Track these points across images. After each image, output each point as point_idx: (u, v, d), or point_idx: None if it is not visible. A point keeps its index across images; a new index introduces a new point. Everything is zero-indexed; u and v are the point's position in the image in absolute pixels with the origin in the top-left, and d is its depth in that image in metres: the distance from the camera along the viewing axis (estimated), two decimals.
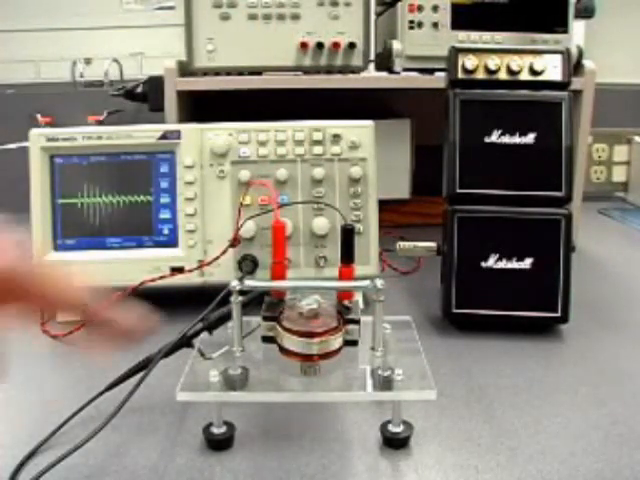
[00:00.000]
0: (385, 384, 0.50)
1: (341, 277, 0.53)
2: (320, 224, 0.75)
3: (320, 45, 0.98)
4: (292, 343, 0.50)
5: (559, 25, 1.03)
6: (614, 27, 1.65)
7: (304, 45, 0.98)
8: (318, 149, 0.76)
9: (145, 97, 1.13)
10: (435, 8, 1.02)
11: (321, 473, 0.46)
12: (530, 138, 0.71)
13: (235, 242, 0.71)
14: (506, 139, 0.71)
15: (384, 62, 1.05)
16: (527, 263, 0.70)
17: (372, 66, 1.14)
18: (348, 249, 0.53)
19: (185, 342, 0.54)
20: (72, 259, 0.75)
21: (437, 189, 0.75)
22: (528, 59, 0.72)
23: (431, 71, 1.04)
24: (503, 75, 0.72)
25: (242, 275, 0.73)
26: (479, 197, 0.71)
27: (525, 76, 0.72)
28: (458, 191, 0.71)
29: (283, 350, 0.50)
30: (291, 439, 0.51)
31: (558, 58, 0.72)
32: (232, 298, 0.52)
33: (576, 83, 0.88)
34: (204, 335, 0.55)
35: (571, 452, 0.49)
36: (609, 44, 1.63)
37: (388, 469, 0.47)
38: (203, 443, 0.50)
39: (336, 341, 0.50)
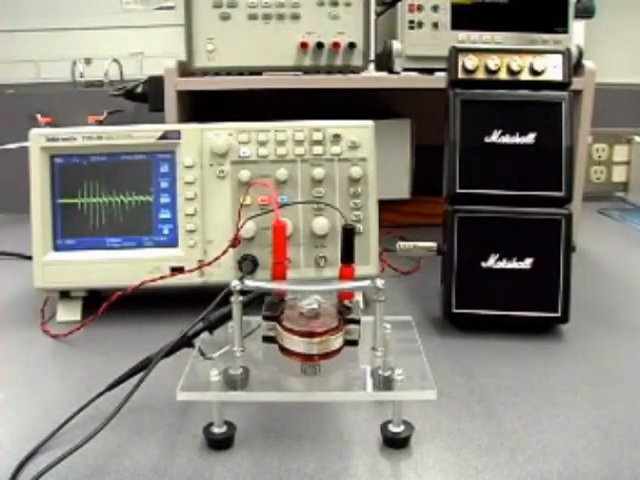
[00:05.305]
0: (385, 384, 0.50)
1: (341, 277, 0.53)
2: (320, 224, 0.75)
3: (320, 45, 0.98)
4: (292, 343, 0.50)
5: (559, 25, 1.03)
6: (614, 27, 1.65)
7: (304, 45, 0.98)
8: (318, 149, 0.76)
9: (145, 97, 1.13)
10: (435, 8, 1.02)
11: (321, 473, 0.46)
12: (530, 138, 0.71)
13: (235, 242, 0.71)
14: (506, 139, 0.71)
15: (384, 62, 1.05)
16: (527, 263, 0.70)
17: (372, 66, 1.14)
18: (348, 249, 0.53)
19: (185, 342, 0.54)
20: (72, 259, 0.75)
21: (437, 189, 0.75)
22: (528, 59, 0.72)
23: (431, 71, 1.04)
24: (503, 75, 0.72)
25: (242, 275, 0.73)
26: (479, 197, 0.71)
27: (525, 76, 0.72)
28: (458, 191, 0.71)
29: (283, 350, 0.50)
30: (291, 439, 0.51)
31: (558, 58, 0.72)
32: (232, 298, 0.52)
33: (576, 83, 0.88)
34: (204, 335, 0.55)
35: (571, 452, 0.49)
36: (609, 44, 1.63)
37: (388, 469, 0.47)
38: (203, 443, 0.50)
39: (336, 341, 0.50)
